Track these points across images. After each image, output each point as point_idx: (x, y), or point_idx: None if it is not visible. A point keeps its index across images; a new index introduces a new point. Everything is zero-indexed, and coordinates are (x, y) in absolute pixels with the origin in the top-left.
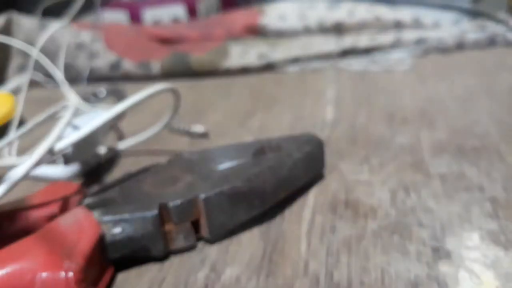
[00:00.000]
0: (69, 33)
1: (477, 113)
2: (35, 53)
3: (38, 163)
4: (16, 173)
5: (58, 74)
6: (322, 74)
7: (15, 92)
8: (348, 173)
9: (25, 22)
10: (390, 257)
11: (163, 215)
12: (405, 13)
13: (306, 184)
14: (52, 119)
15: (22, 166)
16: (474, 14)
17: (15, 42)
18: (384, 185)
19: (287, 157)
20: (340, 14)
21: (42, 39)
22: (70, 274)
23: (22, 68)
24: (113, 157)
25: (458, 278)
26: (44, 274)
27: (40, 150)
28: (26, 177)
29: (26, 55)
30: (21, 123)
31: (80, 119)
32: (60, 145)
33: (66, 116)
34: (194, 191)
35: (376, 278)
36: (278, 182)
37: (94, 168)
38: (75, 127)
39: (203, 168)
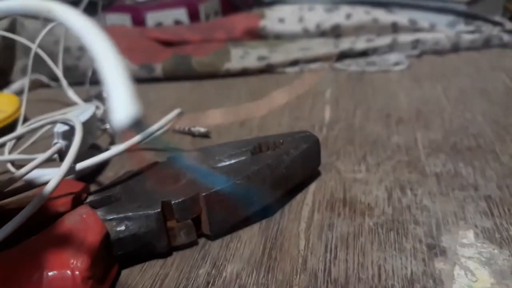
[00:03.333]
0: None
1: (472, 114)
2: (34, 47)
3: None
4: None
5: (56, 70)
6: (321, 75)
7: (20, 93)
8: (345, 172)
9: (29, 23)
10: (387, 254)
11: (166, 212)
12: (401, 16)
13: (303, 181)
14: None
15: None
16: (469, 17)
17: (17, 38)
18: (380, 184)
19: (284, 155)
20: (338, 17)
21: (42, 33)
22: (77, 272)
23: (26, 70)
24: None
25: (454, 275)
26: (51, 273)
27: (62, 168)
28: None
29: (30, 57)
30: (24, 122)
31: (70, 114)
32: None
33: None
34: (195, 188)
35: (373, 274)
36: (277, 180)
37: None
38: (65, 123)
39: (204, 166)
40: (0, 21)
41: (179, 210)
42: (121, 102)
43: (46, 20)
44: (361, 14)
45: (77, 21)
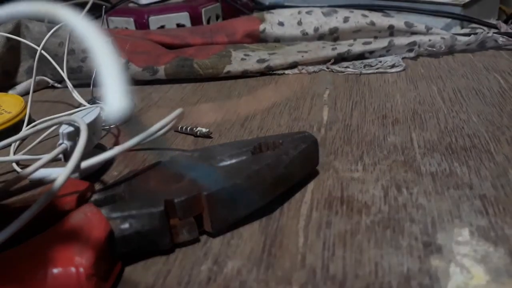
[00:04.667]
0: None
1: (467, 114)
2: (39, 49)
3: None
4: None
5: (61, 72)
6: (319, 77)
7: (25, 94)
8: (343, 171)
9: (34, 25)
10: (383, 251)
11: (169, 210)
12: (398, 19)
13: (302, 180)
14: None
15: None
16: (465, 19)
17: (23, 40)
18: (377, 183)
19: (284, 155)
20: (336, 20)
21: (47, 35)
22: (81, 269)
23: (31, 71)
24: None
25: (449, 272)
26: (55, 270)
27: (68, 167)
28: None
29: (35, 59)
30: (29, 122)
31: (75, 115)
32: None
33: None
34: (197, 187)
35: (370, 271)
36: (276, 179)
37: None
38: (70, 124)
39: (205, 166)
40: (5, 24)
41: (182, 208)
42: (115, 97)
43: (51, 22)
44: (358, 18)
45: (78, 24)
